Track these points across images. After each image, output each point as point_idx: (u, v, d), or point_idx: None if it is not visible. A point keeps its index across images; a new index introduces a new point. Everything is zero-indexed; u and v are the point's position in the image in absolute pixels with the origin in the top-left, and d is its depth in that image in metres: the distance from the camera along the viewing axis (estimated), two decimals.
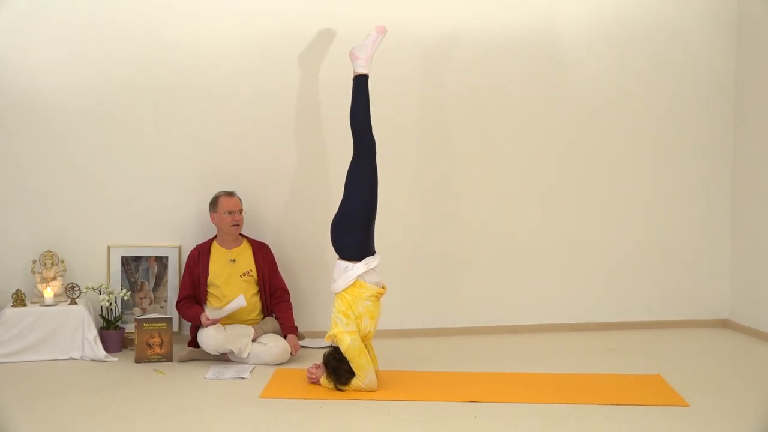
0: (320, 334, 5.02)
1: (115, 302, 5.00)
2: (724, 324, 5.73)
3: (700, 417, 3.79)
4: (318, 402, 4.02)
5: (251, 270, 4.91)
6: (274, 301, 4.95)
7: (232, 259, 4.91)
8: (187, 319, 4.87)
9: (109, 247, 5.12)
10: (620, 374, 4.52)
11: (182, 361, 4.73)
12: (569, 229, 5.57)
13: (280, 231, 5.26)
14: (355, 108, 4.41)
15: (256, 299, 4.91)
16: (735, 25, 5.61)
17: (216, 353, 4.67)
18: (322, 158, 5.27)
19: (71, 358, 4.74)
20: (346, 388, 4.14)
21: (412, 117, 5.36)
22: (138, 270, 5.16)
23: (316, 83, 5.22)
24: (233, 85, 5.17)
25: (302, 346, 4.92)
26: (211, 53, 5.13)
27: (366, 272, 4.21)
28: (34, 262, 4.94)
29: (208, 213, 4.97)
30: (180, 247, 5.17)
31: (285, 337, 4.79)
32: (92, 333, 4.78)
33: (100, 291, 4.95)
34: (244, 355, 4.65)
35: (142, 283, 5.17)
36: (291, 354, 4.73)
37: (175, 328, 5.01)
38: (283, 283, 5.02)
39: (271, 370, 4.56)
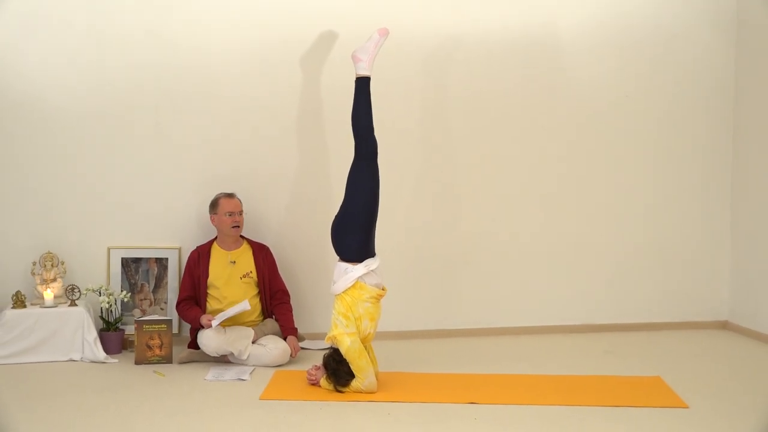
0: (320, 336, 5.02)
1: (115, 304, 5.00)
2: (724, 326, 5.74)
3: (700, 419, 3.80)
4: (318, 403, 4.02)
5: (251, 272, 4.92)
6: (274, 302, 4.95)
7: (232, 260, 4.91)
8: (186, 321, 4.87)
9: (109, 249, 5.13)
10: (620, 376, 4.52)
11: (182, 362, 4.73)
12: (570, 231, 5.58)
13: (281, 233, 5.26)
14: (356, 110, 4.42)
15: (256, 301, 4.91)
16: (735, 25, 5.62)
17: (216, 355, 4.67)
18: (323, 160, 5.28)
19: (71, 360, 4.74)
20: (346, 389, 4.14)
21: (413, 119, 5.37)
22: (138, 272, 5.16)
23: (317, 86, 5.23)
24: (234, 88, 5.18)
25: (302, 348, 4.92)
26: (211, 55, 5.14)
27: (366, 274, 4.22)
28: (34, 263, 4.94)
29: (208, 215, 4.97)
30: (180, 249, 5.17)
31: (285, 339, 4.80)
32: (92, 334, 4.78)
33: (100, 292, 4.95)
34: (244, 357, 4.65)
35: (142, 284, 5.17)
36: (291, 356, 4.73)
37: (175, 330, 5.02)
38: (283, 284, 5.03)
39: (271, 371, 4.56)
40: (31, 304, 4.86)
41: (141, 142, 5.13)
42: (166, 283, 5.17)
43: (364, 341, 4.22)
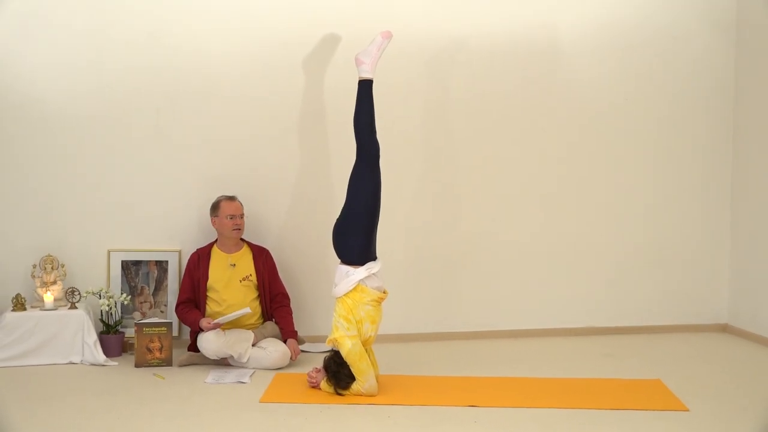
0: (320, 339, 5.02)
1: (115, 306, 5.00)
2: (724, 329, 5.74)
3: (700, 422, 3.80)
4: (318, 406, 4.02)
5: (251, 275, 4.92)
6: (274, 305, 4.95)
7: (232, 263, 4.91)
8: (186, 324, 4.87)
9: (109, 252, 5.13)
10: (620, 379, 4.52)
11: (182, 365, 4.73)
12: (570, 232, 5.58)
13: (282, 235, 5.26)
14: (359, 112, 4.42)
15: (256, 304, 4.91)
16: (734, 26, 5.63)
17: (216, 358, 4.67)
18: (324, 162, 5.28)
19: (71, 363, 4.74)
20: (346, 392, 4.14)
21: (415, 121, 5.37)
22: (138, 274, 5.16)
23: (318, 88, 5.23)
24: (235, 90, 5.18)
25: (302, 351, 4.92)
26: (212, 57, 5.14)
27: (367, 277, 4.22)
28: (34, 266, 4.94)
29: (208, 218, 4.98)
30: (180, 252, 5.17)
31: (285, 342, 4.79)
32: (92, 337, 4.78)
33: (100, 295, 4.95)
34: (244, 360, 4.65)
35: (142, 287, 5.17)
36: (291, 358, 4.73)
37: (175, 333, 5.01)
38: (283, 287, 5.02)
39: (271, 374, 4.56)
40: (31, 307, 4.86)
41: (141, 144, 5.13)
42: (166, 285, 5.17)
43: (365, 344, 4.22)
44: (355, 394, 4.13)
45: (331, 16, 5.20)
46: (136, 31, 5.07)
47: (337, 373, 4.14)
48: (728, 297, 5.74)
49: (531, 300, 5.55)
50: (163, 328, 4.74)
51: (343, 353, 4.11)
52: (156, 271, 5.17)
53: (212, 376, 4.51)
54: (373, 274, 4.24)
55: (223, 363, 4.73)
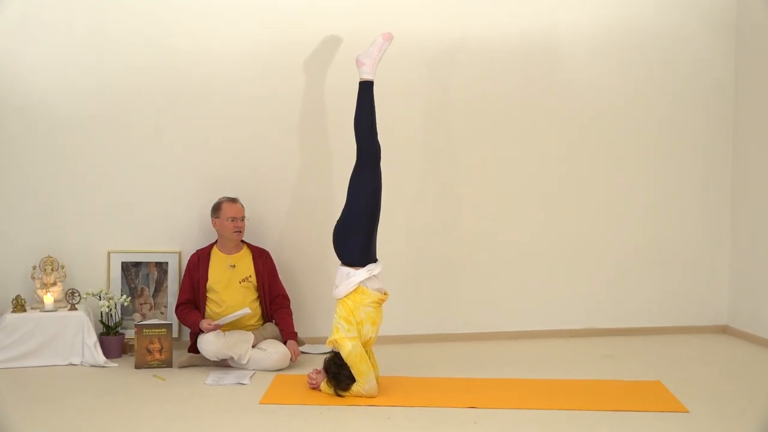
0: (320, 340, 5.02)
1: (115, 308, 5.00)
2: (724, 330, 5.74)
3: (700, 423, 3.80)
4: (318, 408, 4.01)
5: (251, 276, 4.92)
6: (274, 307, 4.95)
7: (232, 264, 4.91)
8: (186, 324, 4.86)
9: (109, 253, 5.12)
10: (620, 380, 4.52)
11: (182, 366, 4.73)
12: (570, 232, 5.59)
13: (282, 236, 5.26)
14: (359, 114, 4.42)
15: (256, 305, 4.91)
16: (734, 26, 5.63)
17: (216, 359, 4.67)
18: (325, 163, 5.27)
19: (71, 364, 4.74)
20: (347, 393, 4.14)
21: (415, 122, 5.37)
22: (138, 276, 5.16)
23: (319, 89, 5.23)
24: (235, 91, 5.18)
25: (302, 352, 4.92)
26: (212, 58, 5.14)
27: (368, 278, 4.22)
28: (34, 267, 4.94)
29: (208, 219, 4.98)
30: (180, 253, 5.17)
31: (285, 343, 4.79)
32: (92, 338, 4.78)
33: (100, 297, 4.95)
34: (244, 361, 4.65)
35: (142, 288, 5.17)
36: (291, 360, 4.73)
37: (174, 334, 5.00)
38: (283, 289, 5.02)
39: (271, 375, 4.56)
40: (31, 308, 4.86)
41: (141, 144, 5.13)
42: (166, 287, 5.17)
43: (365, 346, 4.22)
44: (355, 396, 4.13)
45: (332, 16, 5.20)
46: (136, 32, 5.07)
47: (338, 374, 4.13)
48: (728, 298, 5.74)
49: (531, 301, 5.56)
50: (163, 330, 4.75)
51: (344, 354, 4.11)
52: (156, 273, 5.17)
53: (212, 377, 4.51)
54: (374, 275, 4.25)
55: (223, 364, 4.73)
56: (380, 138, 4.45)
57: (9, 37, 4.97)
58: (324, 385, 4.21)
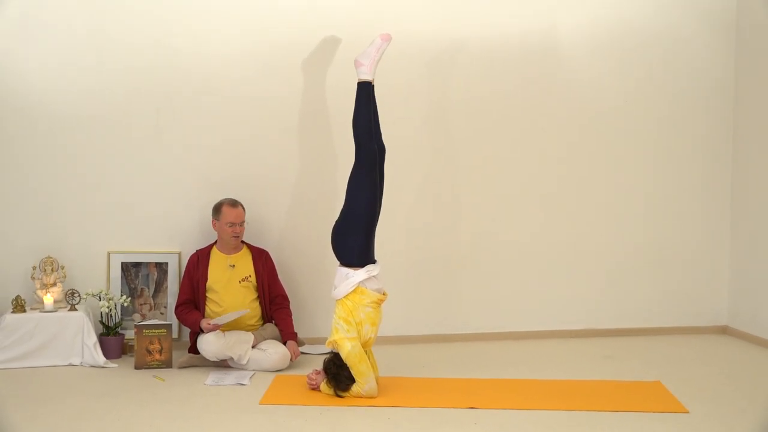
0: (320, 341, 5.02)
1: (115, 308, 5.00)
2: (724, 330, 5.74)
3: (700, 423, 3.79)
4: (318, 408, 4.01)
5: (250, 276, 4.92)
6: (274, 307, 4.95)
7: (232, 264, 4.91)
8: (186, 324, 4.86)
9: (109, 253, 5.12)
10: (620, 381, 4.52)
11: (182, 367, 4.73)
12: (570, 232, 5.58)
13: (282, 237, 5.26)
14: (357, 115, 4.41)
15: (256, 305, 4.91)
16: (734, 26, 5.63)
17: (215, 359, 4.67)
18: (325, 164, 5.27)
19: (71, 364, 4.74)
20: (346, 394, 4.14)
21: (415, 122, 5.37)
22: (138, 276, 5.16)
23: (319, 89, 5.23)
24: (235, 92, 5.18)
25: (302, 353, 4.92)
26: (212, 59, 5.14)
27: (367, 279, 4.22)
28: (34, 268, 4.94)
29: (208, 219, 4.98)
30: (180, 254, 5.17)
31: (284, 344, 4.79)
32: (92, 339, 4.78)
33: (99, 297, 4.95)
34: (244, 362, 4.65)
35: (141, 289, 5.17)
36: (291, 360, 4.73)
37: (174, 335, 5.01)
38: (283, 289, 5.02)
39: (271, 376, 4.56)
40: (31, 309, 4.86)
41: (141, 145, 5.13)
42: (166, 287, 5.17)
43: (365, 346, 4.22)
44: (355, 396, 4.13)
45: (332, 17, 5.20)
46: (136, 32, 5.07)
47: (337, 375, 4.13)
48: (728, 298, 5.74)
49: (531, 301, 5.56)
50: (162, 330, 4.75)
51: (343, 355, 4.11)
52: (156, 273, 5.17)
53: (212, 377, 4.50)
54: (373, 276, 4.24)
55: (223, 365, 4.73)
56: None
57: (9, 37, 4.97)
58: (324, 386, 4.21)
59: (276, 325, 4.91)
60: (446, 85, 5.40)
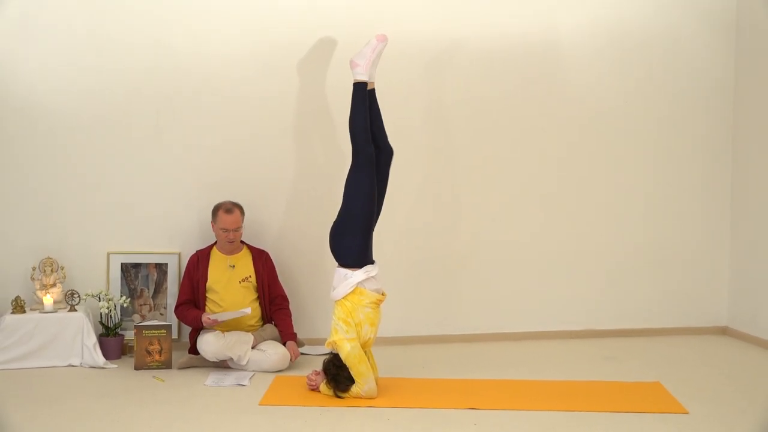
0: (320, 341, 5.02)
1: (115, 309, 5.00)
2: (724, 331, 5.73)
3: (699, 424, 3.79)
4: (317, 409, 4.02)
5: (250, 276, 4.91)
6: (274, 308, 4.95)
7: (231, 264, 4.91)
8: (187, 322, 4.84)
9: (108, 254, 5.12)
10: (619, 381, 4.52)
11: (181, 368, 4.73)
12: (570, 233, 5.58)
13: (281, 237, 5.26)
14: (353, 116, 4.41)
15: (255, 305, 4.91)
16: (734, 26, 5.62)
17: (215, 360, 4.67)
18: (325, 164, 5.27)
19: (70, 365, 4.74)
20: (346, 395, 4.14)
21: (415, 123, 5.36)
22: (137, 277, 5.16)
23: (319, 89, 5.22)
24: (235, 93, 5.18)
25: (301, 353, 4.92)
26: (212, 59, 5.14)
27: (366, 279, 4.22)
28: (34, 268, 4.94)
29: (208, 220, 4.98)
30: (180, 254, 5.17)
31: (284, 344, 4.79)
32: (92, 340, 4.78)
33: (99, 298, 4.95)
34: (244, 362, 4.65)
35: (141, 289, 5.17)
36: (290, 361, 4.73)
37: (174, 335, 5.01)
38: (283, 290, 5.02)
39: (271, 377, 4.56)
40: (31, 310, 4.85)
41: (141, 145, 5.13)
42: (166, 288, 5.17)
43: (365, 346, 4.22)
44: (354, 397, 4.13)
45: (332, 17, 5.20)
46: (136, 32, 5.07)
47: (337, 375, 4.14)
48: (728, 298, 5.74)
49: (531, 301, 5.55)
50: (162, 331, 4.74)
51: (343, 356, 4.11)
52: (155, 274, 5.17)
53: (212, 378, 4.50)
54: (372, 276, 4.24)
55: (223, 365, 4.72)
56: None
57: (9, 37, 4.97)
58: (323, 387, 4.21)
59: (276, 325, 4.91)
60: (446, 85, 5.40)
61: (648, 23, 5.56)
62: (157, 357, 4.73)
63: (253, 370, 4.64)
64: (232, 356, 4.64)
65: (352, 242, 4.27)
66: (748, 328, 5.50)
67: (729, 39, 5.65)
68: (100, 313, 4.94)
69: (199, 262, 4.89)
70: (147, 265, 5.16)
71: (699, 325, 5.72)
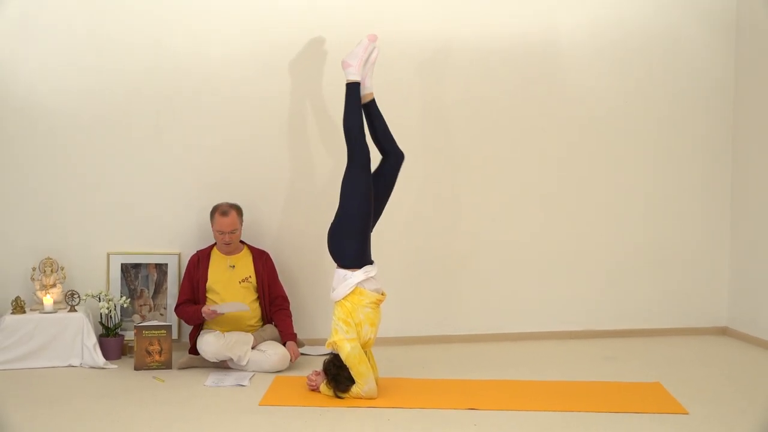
0: (320, 342, 5.02)
1: (115, 309, 5.00)
2: (724, 332, 5.73)
3: (699, 424, 3.79)
4: (317, 409, 4.02)
5: (250, 276, 4.91)
6: (274, 308, 4.95)
7: (232, 265, 4.91)
8: (188, 318, 4.82)
9: (108, 254, 5.12)
10: (619, 382, 4.51)
11: (181, 368, 4.73)
12: (570, 233, 5.58)
13: (280, 238, 5.26)
14: (347, 116, 4.40)
15: (256, 306, 4.91)
16: (734, 26, 5.62)
17: (215, 360, 4.67)
18: (325, 164, 5.26)
19: (70, 366, 4.74)
20: (346, 395, 4.14)
21: (415, 123, 5.36)
22: (137, 277, 5.16)
23: (319, 89, 5.22)
24: (234, 93, 5.18)
25: (301, 354, 4.92)
26: (212, 59, 5.14)
27: (365, 280, 4.22)
28: (34, 269, 4.94)
29: (208, 220, 4.97)
30: (180, 255, 5.17)
31: (284, 345, 4.79)
32: (92, 340, 4.78)
33: (99, 298, 4.95)
34: (244, 363, 4.65)
35: (141, 290, 5.17)
36: (290, 361, 4.73)
37: (174, 336, 5.01)
38: (283, 290, 5.02)
39: (271, 377, 4.56)
40: (31, 310, 4.86)
41: (141, 145, 5.13)
42: (166, 288, 5.17)
43: (365, 347, 4.22)
44: (354, 397, 4.13)
45: (332, 17, 5.19)
46: (136, 32, 5.07)
47: (337, 376, 4.14)
48: (728, 299, 5.73)
49: (531, 302, 5.55)
50: (162, 331, 4.74)
51: (343, 356, 4.11)
52: (155, 274, 5.17)
53: (212, 379, 4.50)
54: (371, 276, 4.24)
55: (223, 366, 4.72)
56: None
57: (9, 38, 4.97)
58: (323, 387, 4.21)
59: (276, 326, 4.90)
60: (446, 85, 5.40)
61: (648, 23, 5.56)
62: (157, 357, 4.73)
63: (253, 371, 4.64)
64: (232, 356, 4.64)
65: (350, 243, 4.27)
66: (748, 329, 5.50)
67: (729, 39, 5.65)
68: (100, 314, 4.94)
69: (199, 263, 4.89)
70: (147, 265, 5.16)
71: (699, 326, 5.72)
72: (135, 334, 4.75)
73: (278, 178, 5.25)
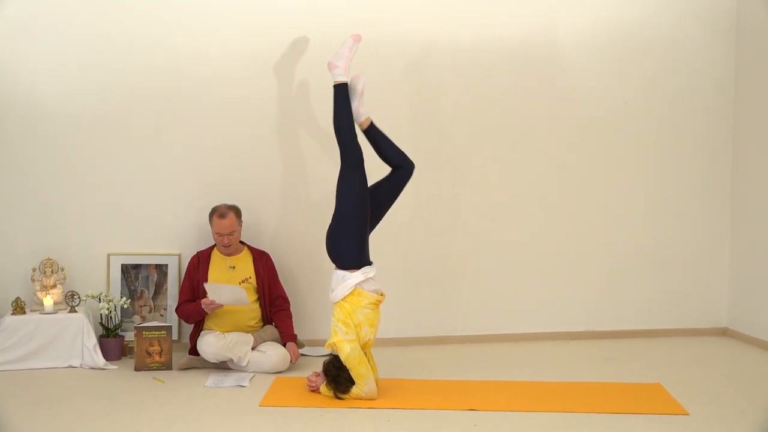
0: (320, 343, 5.02)
1: (115, 310, 5.00)
2: (724, 332, 5.73)
3: (700, 425, 3.80)
4: (317, 410, 4.02)
5: (250, 277, 4.91)
6: (274, 309, 4.95)
7: (232, 266, 4.91)
8: (189, 315, 4.79)
9: (109, 255, 5.12)
10: (620, 383, 4.51)
11: (182, 369, 4.73)
12: (570, 234, 5.57)
13: (280, 238, 5.26)
14: (337, 117, 4.39)
15: (256, 306, 4.91)
16: (734, 26, 5.62)
17: (215, 361, 4.67)
18: (325, 165, 5.24)
19: (71, 366, 4.74)
20: (346, 396, 4.14)
21: (414, 123, 5.35)
22: (138, 278, 5.16)
23: (317, 91, 5.21)
24: (234, 94, 5.17)
25: (302, 354, 4.92)
26: (212, 59, 5.14)
27: (364, 281, 4.21)
28: (34, 269, 4.94)
29: (207, 221, 4.96)
30: (180, 255, 5.17)
31: (284, 345, 4.79)
32: (92, 341, 4.78)
33: (99, 299, 4.95)
34: (244, 363, 4.65)
35: (141, 291, 5.17)
36: (290, 362, 4.73)
37: (174, 336, 5.01)
38: (283, 291, 5.02)
39: (271, 378, 4.56)
40: (31, 311, 4.85)
41: (141, 148, 5.13)
42: (166, 289, 5.17)
43: (364, 348, 4.22)
44: (354, 398, 4.13)
45: (332, 17, 5.18)
46: (136, 33, 5.07)
47: (337, 377, 4.14)
48: (728, 299, 5.73)
49: (530, 302, 5.55)
50: (162, 332, 4.74)
51: (342, 357, 4.11)
52: (156, 275, 5.17)
53: (212, 379, 4.51)
54: (370, 277, 4.24)
55: (223, 366, 4.73)
56: None
57: (9, 38, 4.97)
58: (323, 388, 4.21)
59: (276, 326, 4.90)
60: (446, 85, 5.39)
61: (648, 24, 5.56)
62: (157, 358, 4.73)
63: (253, 371, 4.65)
64: (233, 357, 4.64)
65: (347, 245, 4.27)
66: (749, 329, 5.50)
67: (729, 40, 5.64)
68: (101, 314, 4.94)
69: (199, 263, 4.89)
70: (147, 266, 5.16)
71: (699, 326, 5.72)
72: (135, 335, 4.76)
73: (278, 178, 5.25)
